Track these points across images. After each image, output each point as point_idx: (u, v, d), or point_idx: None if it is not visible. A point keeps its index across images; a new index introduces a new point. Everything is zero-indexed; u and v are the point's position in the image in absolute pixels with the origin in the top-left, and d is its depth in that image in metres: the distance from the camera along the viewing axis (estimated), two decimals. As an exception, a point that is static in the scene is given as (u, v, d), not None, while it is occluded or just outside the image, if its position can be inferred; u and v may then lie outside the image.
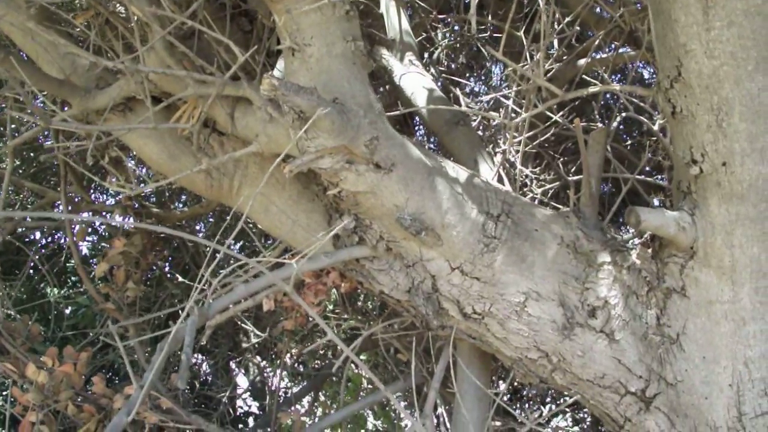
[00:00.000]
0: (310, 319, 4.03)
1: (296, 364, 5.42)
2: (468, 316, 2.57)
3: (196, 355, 5.84)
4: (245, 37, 3.59)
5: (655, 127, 2.84)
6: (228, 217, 3.79)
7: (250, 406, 6.15)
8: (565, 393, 2.68)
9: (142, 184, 4.23)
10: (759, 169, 2.13)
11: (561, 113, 3.36)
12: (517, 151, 2.97)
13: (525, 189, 3.43)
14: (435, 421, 3.56)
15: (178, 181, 3.09)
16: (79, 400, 3.33)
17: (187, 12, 2.66)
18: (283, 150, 2.62)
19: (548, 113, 3.14)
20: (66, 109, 3.14)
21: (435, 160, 2.59)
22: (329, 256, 2.62)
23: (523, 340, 2.53)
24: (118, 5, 3.15)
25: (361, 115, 2.37)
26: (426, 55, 4.13)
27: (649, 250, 2.46)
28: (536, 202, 3.44)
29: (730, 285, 2.31)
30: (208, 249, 5.16)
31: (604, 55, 3.57)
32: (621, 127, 4.80)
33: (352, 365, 5.94)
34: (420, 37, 4.44)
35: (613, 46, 3.73)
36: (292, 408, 5.33)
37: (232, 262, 4.32)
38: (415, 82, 3.56)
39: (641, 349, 2.45)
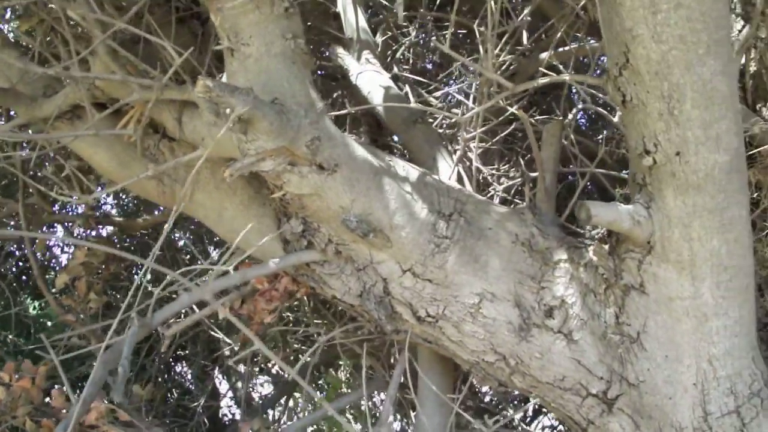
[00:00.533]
0: (280, 323, 3.93)
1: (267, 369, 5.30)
2: (422, 319, 2.47)
3: (180, 364, 5.76)
4: (196, 40, 3.49)
5: (615, 119, 2.74)
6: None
7: (234, 414, 6.04)
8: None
9: (100, 192, 4.10)
10: (714, 157, 2.04)
11: (519, 107, 3.27)
12: (478, 148, 2.87)
13: (489, 188, 3.34)
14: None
15: (131, 189, 3.01)
16: (38, 414, 3.24)
17: (126, 16, 2.57)
18: (229, 154, 2.54)
19: (508, 108, 3.05)
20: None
21: (382, 160, 2.49)
22: (277, 262, 2.52)
23: (479, 342, 2.43)
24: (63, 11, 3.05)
25: (301, 115, 2.27)
26: (389, 53, 4.02)
27: (606, 246, 2.37)
28: (498, 200, 3.35)
29: (690, 280, 2.21)
30: (185, 255, 5.07)
31: (567, 48, 3.47)
32: (589, 122, 4.72)
33: (331, 371, 5.85)
34: (386, 36, 4.35)
35: (577, 39, 3.65)
36: (266, 413, 5.25)
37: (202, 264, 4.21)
38: (372, 80, 3.46)
39: (601, 349, 2.36)
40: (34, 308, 5.65)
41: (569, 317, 2.37)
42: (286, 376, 5.30)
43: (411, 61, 4.29)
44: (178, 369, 5.86)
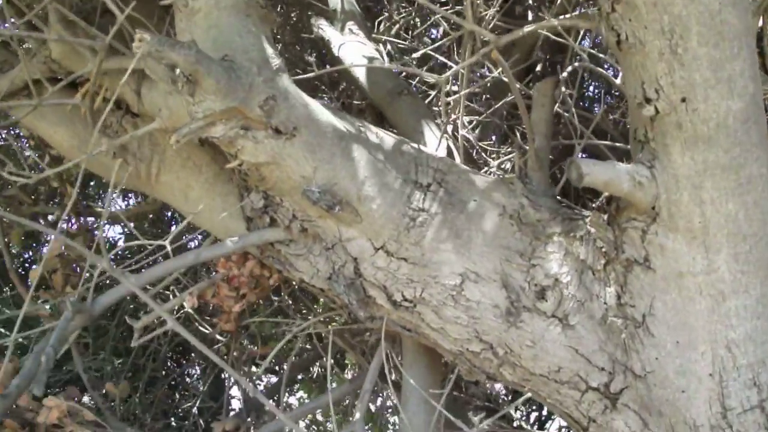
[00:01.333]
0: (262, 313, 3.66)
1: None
2: (398, 304, 2.18)
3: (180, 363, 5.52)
4: (159, 8, 3.26)
5: (618, 81, 2.43)
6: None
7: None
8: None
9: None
10: (727, 104, 1.73)
11: (515, 79, 2.96)
12: (465, 117, 2.57)
13: (485, 166, 3.03)
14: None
15: (94, 170, 2.79)
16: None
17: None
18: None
19: (500, 77, 2.75)
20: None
21: (351, 124, 2.21)
22: (236, 241, 2.24)
23: (463, 330, 2.14)
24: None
25: (254, 72, 2.01)
26: (378, 25, 3.73)
27: (605, 216, 2.06)
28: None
29: (703, 252, 1.90)
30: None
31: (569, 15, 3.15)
32: (594, 93, 4.39)
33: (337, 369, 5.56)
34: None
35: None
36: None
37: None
38: (354, 51, 3.19)
39: (601, 335, 2.05)
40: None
41: (564, 299, 2.07)
42: (283, 368, 5.03)
43: (394, 28, 3.95)
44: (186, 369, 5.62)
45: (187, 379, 5.55)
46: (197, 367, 5.50)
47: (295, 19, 4.26)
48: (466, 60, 2.24)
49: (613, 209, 2.03)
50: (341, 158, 2.09)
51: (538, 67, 3.72)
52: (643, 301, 2.00)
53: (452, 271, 2.11)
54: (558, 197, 2.27)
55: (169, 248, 1.83)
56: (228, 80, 1.92)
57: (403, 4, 3.84)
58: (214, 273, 2.71)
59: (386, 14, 3.72)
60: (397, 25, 3.58)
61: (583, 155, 3.50)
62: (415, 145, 2.32)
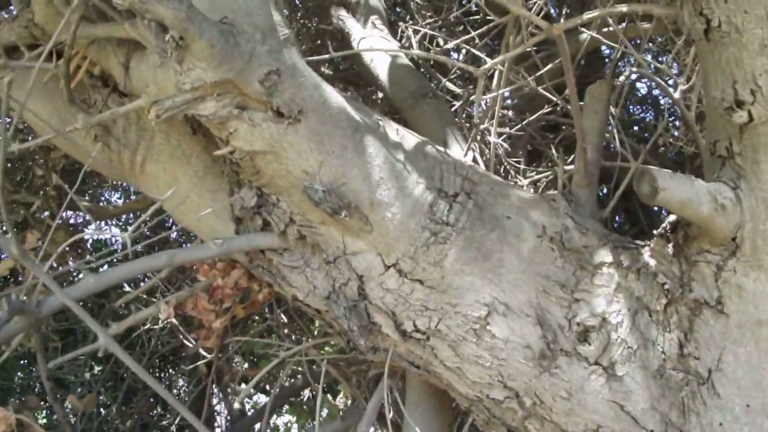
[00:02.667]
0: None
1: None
2: (408, 335, 1.82)
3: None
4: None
5: (676, 94, 2.08)
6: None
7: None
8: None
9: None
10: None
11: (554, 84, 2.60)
12: (499, 124, 2.23)
13: (509, 178, 2.67)
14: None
15: (72, 155, 2.47)
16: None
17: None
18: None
19: (538, 89, 2.40)
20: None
21: (367, 115, 1.87)
22: (220, 244, 1.88)
23: (484, 372, 1.76)
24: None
25: (257, 40, 1.67)
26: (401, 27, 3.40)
27: (669, 245, 1.69)
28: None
29: (790, 298, 1.54)
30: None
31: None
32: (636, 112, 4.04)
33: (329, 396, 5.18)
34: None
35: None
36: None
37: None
38: (377, 46, 2.85)
39: (655, 390, 1.68)
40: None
41: (612, 343, 1.70)
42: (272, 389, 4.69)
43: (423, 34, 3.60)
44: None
45: (176, 393, 5.21)
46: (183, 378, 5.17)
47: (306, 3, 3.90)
48: (510, 51, 1.89)
49: (681, 238, 1.67)
50: (353, 153, 1.74)
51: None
52: (711, 353, 1.64)
53: (477, 300, 1.75)
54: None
55: (128, 241, 1.47)
56: (224, 45, 1.58)
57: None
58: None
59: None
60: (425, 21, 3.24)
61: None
62: (441, 148, 1.97)
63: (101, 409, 4.53)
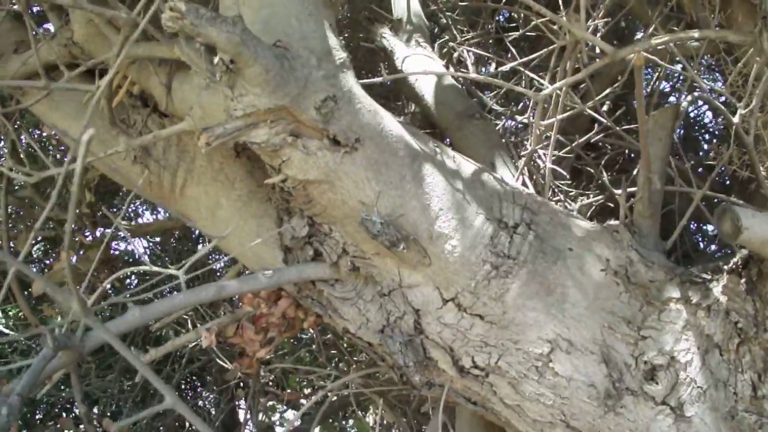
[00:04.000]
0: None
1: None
2: (466, 371, 1.76)
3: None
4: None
5: (735, 119, 2.00)
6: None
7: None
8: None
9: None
10: None
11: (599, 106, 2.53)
12: (553, 148, 2.16)
13: (558, 202, 2.60)
14: None
15: (111, 177, 2.43)
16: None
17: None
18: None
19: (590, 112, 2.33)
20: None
21: (425, 143, 1.81)
22: (270, 275, 1.83)
23: (546, 410, 1.70)
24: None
25: (312, 65, 1.62)
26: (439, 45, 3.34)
27: (743, 282, 1.62)
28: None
29: None
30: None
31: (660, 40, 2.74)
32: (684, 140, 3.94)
33: (360, 412, 5.11)
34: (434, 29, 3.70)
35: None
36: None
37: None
38: (422, 65, 2.79)
39: (727, 433, 1.60)
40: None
41: (680, 383, 1.63)
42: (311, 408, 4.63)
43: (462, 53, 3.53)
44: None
45: (202, 404, 5.17)
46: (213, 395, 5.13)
47: (347, 20, 3.84)
48: (569, 78, 1.82)
49: (755, 274, 1.60)
50: (412, 183, 1.68)
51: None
52: (788, 397, 1.56)
53: (540, 337, 1.69)
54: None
55: (182, 278, 1.42)
56: (279, 70, 1.53)
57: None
58: (239, 305, 2.31)
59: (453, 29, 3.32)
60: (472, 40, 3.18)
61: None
62: (498, 176, 1.91)
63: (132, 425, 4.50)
